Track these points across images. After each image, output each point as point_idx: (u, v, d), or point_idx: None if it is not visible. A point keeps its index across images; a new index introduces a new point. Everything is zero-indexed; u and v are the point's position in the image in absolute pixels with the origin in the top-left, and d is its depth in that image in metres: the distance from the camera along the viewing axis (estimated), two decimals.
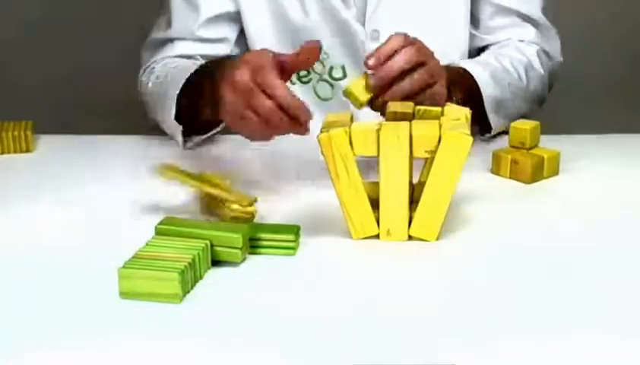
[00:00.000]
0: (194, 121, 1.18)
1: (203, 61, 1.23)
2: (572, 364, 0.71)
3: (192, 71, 1.17)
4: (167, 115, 1.19)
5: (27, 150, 1.24)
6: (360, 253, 0.90)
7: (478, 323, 0.76)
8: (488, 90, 1.21)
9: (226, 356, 0.72)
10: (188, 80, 1.16)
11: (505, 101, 1.24)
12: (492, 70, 1.23)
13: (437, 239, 0.91)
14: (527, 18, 1.33)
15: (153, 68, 1.31)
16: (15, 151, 1.23)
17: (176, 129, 1.20)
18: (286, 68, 0.99)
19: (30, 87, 2.19)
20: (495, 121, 1.22)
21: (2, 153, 1.23)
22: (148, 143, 1.27)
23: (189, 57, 1.30)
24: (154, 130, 1.30)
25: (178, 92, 1.16)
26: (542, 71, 1.31)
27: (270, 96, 0.96)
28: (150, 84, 1.28)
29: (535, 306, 0.79)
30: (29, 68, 2.21)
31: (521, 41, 1.32)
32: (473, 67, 1.22)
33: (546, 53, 1.34)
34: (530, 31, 1.33)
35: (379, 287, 0.83)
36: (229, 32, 1.32)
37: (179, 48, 1.31)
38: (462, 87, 1.16)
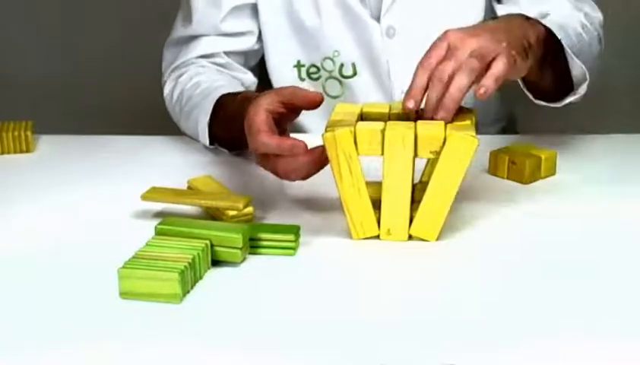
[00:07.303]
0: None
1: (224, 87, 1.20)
2: (572, 364, 0.71)
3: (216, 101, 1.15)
4: (199, 137, 1.19)
5: (27, 150, 1.24)
6: (360, 253, 0.90)
7: (478, 323, 0.76)
8: (561, 35, 1.07)
9: (226, 356, 0.72)
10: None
11: (580, 45, 1.12)
12: (556, 20, 1.10)
13: (437, 239, 0.91)
14: None
15: (179, 73, 1.29)
16: (15, 151, 1.23)
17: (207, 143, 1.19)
18: (282, 118, 0.96)
19: (30, 87, 2.19)
20: (577, 67, 1.10)
21: (2, 153, 1.23)
22: (148, 143, 1.28)
23: (213, 55, 1.29)
24: (154, 131, 1.30)
25: (208, 120, 1.16)
26: (593, 31, 1.20)
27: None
28: (174, 99, 1.27)
29: (534, 306, 0.79)
30: (29, 68, 2.21)
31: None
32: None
33: (589, 17, 1.22)
34: (564, 3, 1.21)
35: (379, 287, 0.83)
36: (252, 24, 1.31)
37: (203, 45, 1.30)
38: (537, 41, 1.03)
